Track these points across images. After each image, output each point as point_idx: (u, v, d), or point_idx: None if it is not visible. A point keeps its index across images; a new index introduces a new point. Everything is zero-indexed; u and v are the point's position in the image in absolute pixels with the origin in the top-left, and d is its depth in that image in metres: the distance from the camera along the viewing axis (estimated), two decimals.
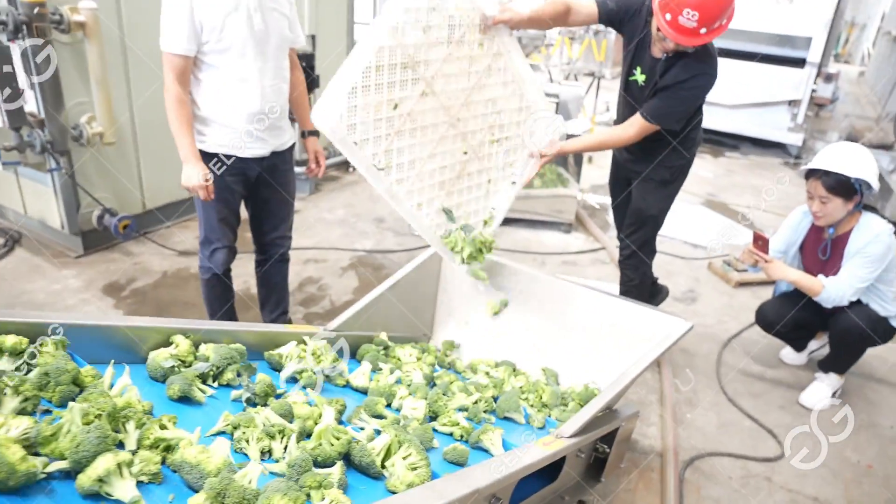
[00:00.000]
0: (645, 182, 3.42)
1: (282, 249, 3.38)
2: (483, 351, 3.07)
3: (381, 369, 2.35)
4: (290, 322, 3.67)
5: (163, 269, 4.36)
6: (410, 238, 5.12)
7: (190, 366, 1.77)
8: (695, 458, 3.02)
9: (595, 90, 7.37)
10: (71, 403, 1.27)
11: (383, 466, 1.57)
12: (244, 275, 4.22)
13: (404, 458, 1.55)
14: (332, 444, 1.51)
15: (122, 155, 4.41)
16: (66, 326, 1.64)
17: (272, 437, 1.49)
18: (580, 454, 2.46)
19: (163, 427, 1.34)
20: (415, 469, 1.54)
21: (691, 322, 2.64)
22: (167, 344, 1.83)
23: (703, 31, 2.56)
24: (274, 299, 3.52)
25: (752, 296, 4.55)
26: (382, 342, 2.57)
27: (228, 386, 1.80)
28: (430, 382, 2.41)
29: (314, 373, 1.98)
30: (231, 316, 3.35)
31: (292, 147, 3.17)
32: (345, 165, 6.29)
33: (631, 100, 3.20)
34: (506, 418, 2.31)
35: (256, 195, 3.11)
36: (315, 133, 3.31)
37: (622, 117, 3.39)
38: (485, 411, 2.30)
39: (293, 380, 2.00)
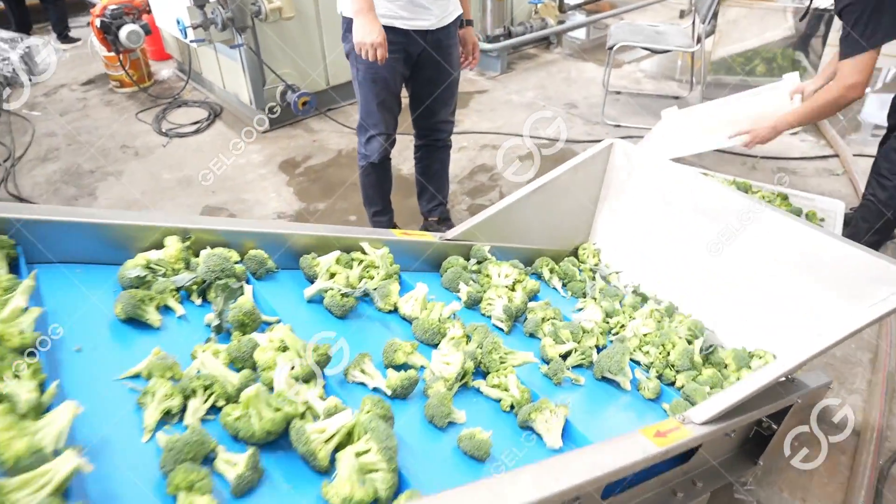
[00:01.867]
0: None
1: (443, 135, 2.90)
2: (633, 276, 2.33)
3: (458, 291, 1.78)
4: (446, 215, 3.20)
5: (339, 147, 4.10)
6: (601, 127, 4.26)
7: (177, 274, 1.37)
8: None
9: None
10: None
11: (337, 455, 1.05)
12: (410, 158, 3.80)
13: (358, 455, 1.01)
14: (261, 418, 1.02)
15: (304, 31, 4.11)
16: (36, 222, 1.32)
17: (188, 396, 1.04)
18: (729, 434, 1.72)
19: None
20: (369, 473, 1.00)
21: None
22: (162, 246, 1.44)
23: None
24: (432, 188, 3.07)
25: None
26: (479, 254, 1.96)
27: None
28: (520, 315, 1.78)
29: (343, 294, 1.48)
30: (386, 206, 2.98)
31: (457, 21, 2.59)
32: (544, 42, 5.42)
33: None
34: (605, 379, 1.62)
35: (419, 75, 2.62)
36: (470, 22, 2.72)
37: None
38: (577, 366, 1.63)
39: (320, 299, 1.52)
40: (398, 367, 1.34)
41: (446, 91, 2.73)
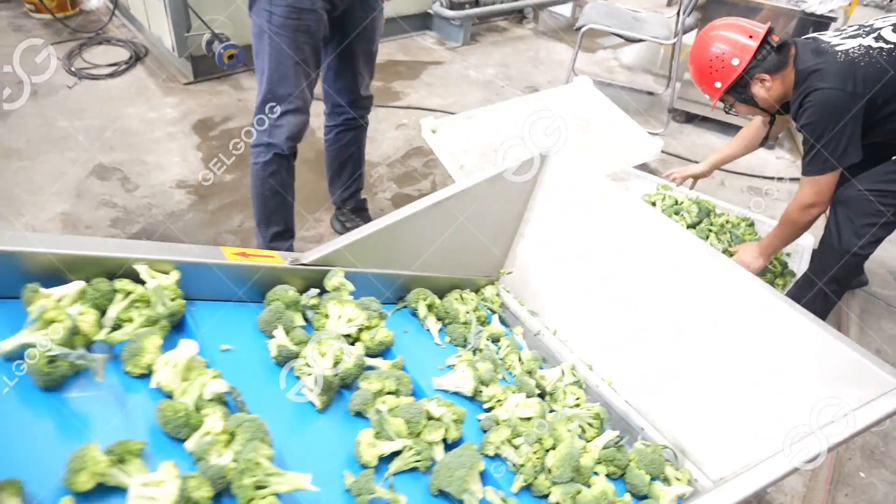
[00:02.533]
0: None
1: (364, 112, 2.40)
2: (551, 320, 1.86)
3: (272, 338, 1.29)
4: (362, 204, 2.70)
5: None
6: None
7: None
8: None
9: None
10: None
11: None
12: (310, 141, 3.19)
13: None
14: None
15: None
16: None
17: None
18: None
19: None
20: None
21: None
22: None
23: (717, 84, 2.02)
24: (346, 174, 2.56)
25: None
26: (330, 282, 1.45)
27: None
28: (353, 381, 1.30)
29: (52, 357, 0.99)
30: (290, 224, 2.27)
31: None
32: (518, 15, 4.83)
33: None
34: (442, 493, 1.16)
35: (340, 35, 2.09)
36: None
37: None
38: (410, 469, 1.17)
39: (20, 356, 1.03)
40: (86, 496, 0.87)
41: (370, 59, 2.26)
